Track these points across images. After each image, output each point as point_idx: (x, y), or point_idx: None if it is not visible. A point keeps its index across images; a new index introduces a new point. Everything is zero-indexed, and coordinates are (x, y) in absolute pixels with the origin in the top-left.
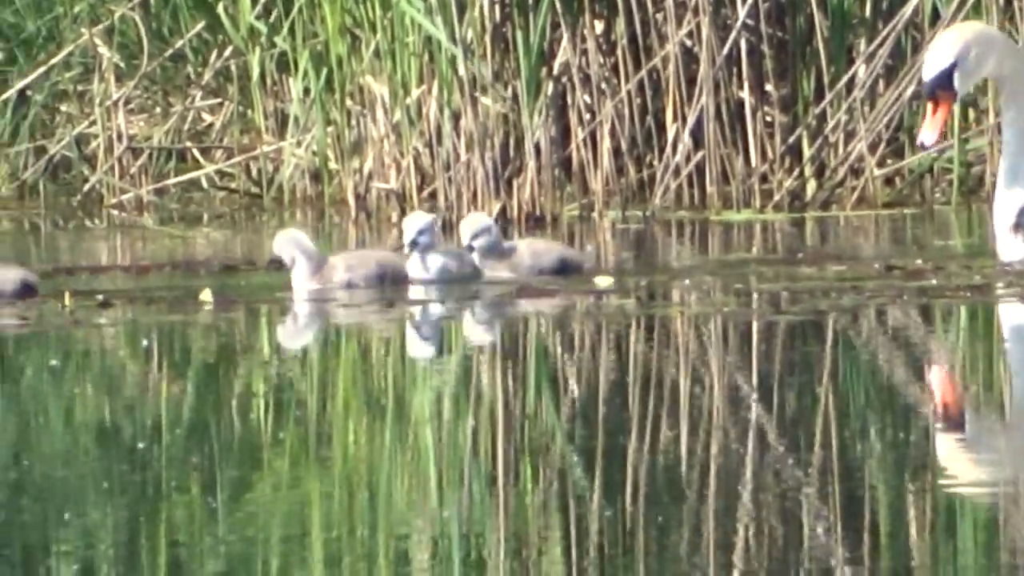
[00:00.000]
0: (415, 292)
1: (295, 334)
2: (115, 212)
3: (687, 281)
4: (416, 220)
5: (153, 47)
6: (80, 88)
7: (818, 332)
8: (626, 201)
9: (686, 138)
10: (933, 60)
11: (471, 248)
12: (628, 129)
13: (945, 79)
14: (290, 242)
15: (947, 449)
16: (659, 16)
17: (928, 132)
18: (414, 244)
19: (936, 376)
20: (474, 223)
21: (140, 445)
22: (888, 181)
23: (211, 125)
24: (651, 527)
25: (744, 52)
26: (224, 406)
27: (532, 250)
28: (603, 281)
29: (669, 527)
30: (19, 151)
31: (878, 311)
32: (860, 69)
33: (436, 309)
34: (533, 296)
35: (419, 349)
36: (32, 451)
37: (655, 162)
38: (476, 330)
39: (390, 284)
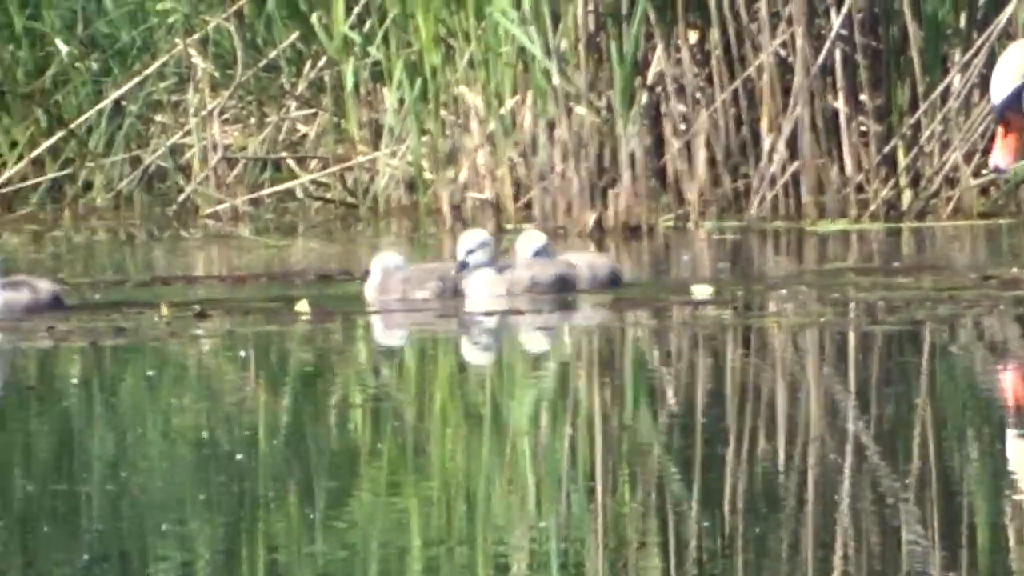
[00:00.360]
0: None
1: (390, 345)
2: (210, 222)
3: (783, 291)
4: (468, 238)
5: (247, 57)
6: (175, 98)
7: (915, 342)
8: (721, 211)
9: (781, 148)
10: (1000, 81)
11: (464, 265)
12: (723, 139)
13: (1015, 100)
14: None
15: None
16: (753, 26)
17: (1000, 155)
18: (464, 265)
19: None
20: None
21: (238, 456)
22: (983, 191)
23: (306, 135)
24: (749, 536)
25: (839, 62)
26: (321, 416)
27: (529, 267)
28: (701, 291)
29: (767, 536)
30: (114, 162)
31: (975, 321)
32: (955, 79)
33: (533, 319)
34: (630, 307)
35: (515, 359)
36: (130, 463)
37: (750, 172)
38: (572, 340)
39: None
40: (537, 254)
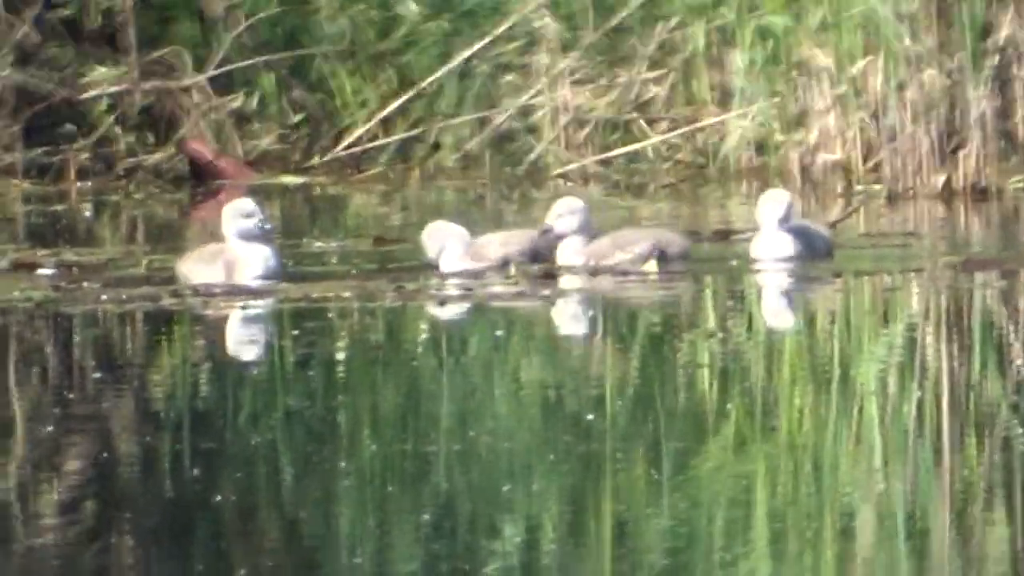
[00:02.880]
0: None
1: (736, 304)
2: (560, 182)
3: None
4: (559, 205)
5: (597, 19)
6: (525, 59)
7: None
8: None
9: None
10: None
11: (548, 230)
12: None
13: None
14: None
15: None
16: None
17: None
18: (546, 232)
19: None
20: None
21: (587, 416)
22: None
23: (656, 96)
24: None
25: None
26: (669, 376)
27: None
28: None
29: None
30: (464, 122)
31: None
32: None
33: (884, 279)
34: (979, 268)
35: (862, 319)
36: (478, 422)
37: None
38: (921, 301)
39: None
40: (781, 218)
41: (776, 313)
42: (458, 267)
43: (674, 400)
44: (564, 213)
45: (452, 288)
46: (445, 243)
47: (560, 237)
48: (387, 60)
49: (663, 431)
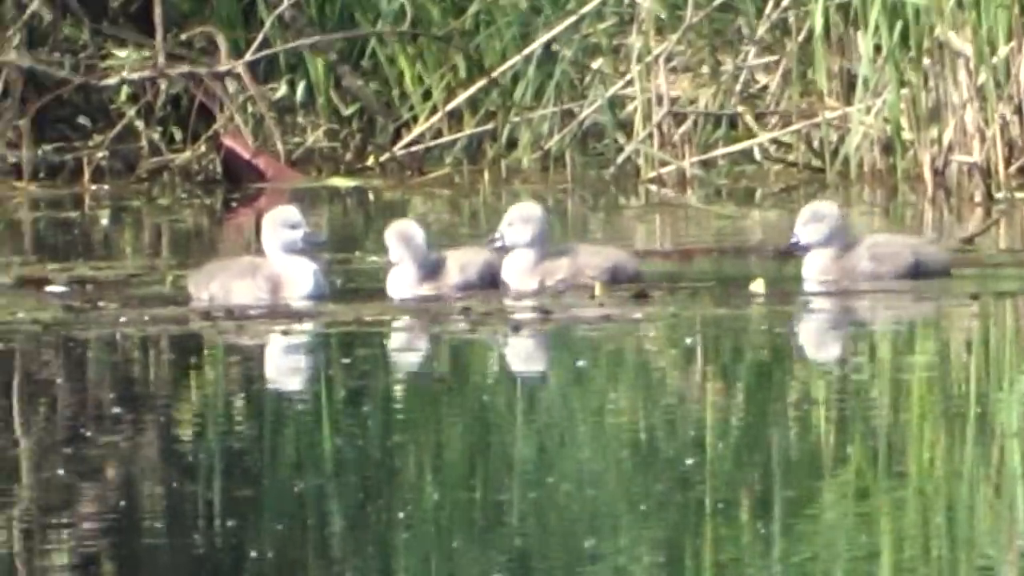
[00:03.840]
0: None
1: (857, 330)
2: (653, 187)
3: None
4: (512, 212)
5: None
6: (615, 43)
7: None
8: None
9: None
10: None
11: (495, 241)
12: None
13: None
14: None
15: None
16: None
17: None
18: (493, 243)
19: None
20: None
21: (685, 460)
22: None
23: (766, 87)
24: None
25: None
26: (778, 414)
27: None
28: None
29: None
30: (544, 115)
31: None
32: None
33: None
34: None
35: (1003, 349)
36: (558, 466)
37: None
38: None
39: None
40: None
41: (902, 340)
42: (408, 294)
43: (784, 441)
44: (515, 221)
45: (527, 311)
46: (403, 257)
47: (508, 250)
48: (454, 43)
49: (771, 476)
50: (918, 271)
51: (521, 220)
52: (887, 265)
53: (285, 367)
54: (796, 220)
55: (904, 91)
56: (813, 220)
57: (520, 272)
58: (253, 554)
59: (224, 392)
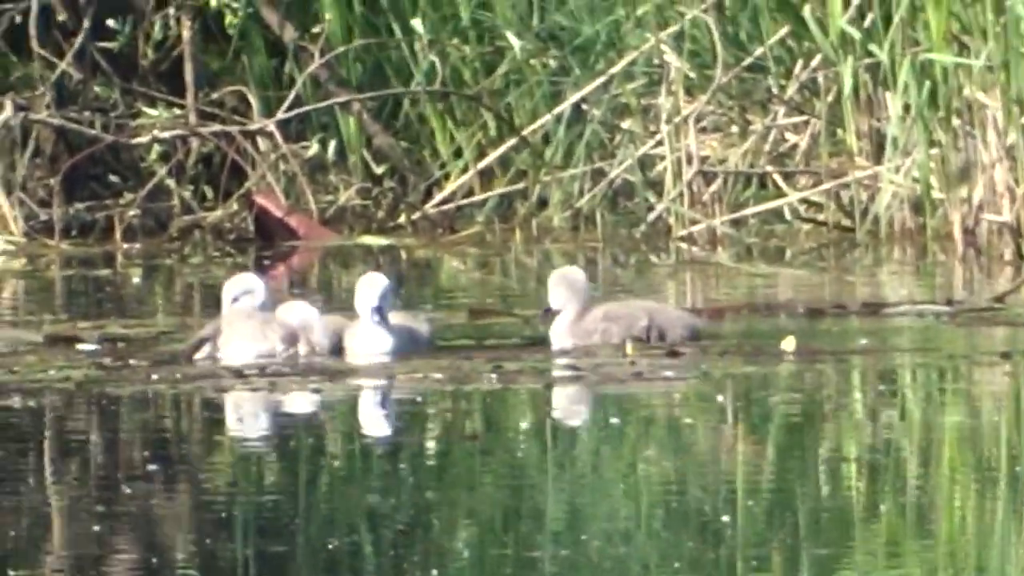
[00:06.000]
0: None
1: (888, 388)
2: (684, 246)
3: None
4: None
5: (728, 56)
6: (644, 103)
7: None
8: None
9: None
10: None
11: (548, 311)
12: None
13: None
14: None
15: None
16: None
17: None
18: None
19: None
20: (236, 284)
21: (720, 517)
22: None
23: (795, 146)
24: None
25: None
26: (810, 471)
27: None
28: None
29: None
30: (574, 175)
31: None
32: None
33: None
34: None
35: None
36: (589, 524)
37: None
38: None
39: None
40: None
41: (932, 400)
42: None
43: (815, 497)
44: (559, 285)
45: (561, 368)
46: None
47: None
48: (485, 102)
49: (802, 534)
50: (652, 334)
51: (566, 285)
52: (619, 325)
53: (316, 425)
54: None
55: (933, 151)
56: (564, 287)
57: (562, 334)
58: None
59: (256, 451)
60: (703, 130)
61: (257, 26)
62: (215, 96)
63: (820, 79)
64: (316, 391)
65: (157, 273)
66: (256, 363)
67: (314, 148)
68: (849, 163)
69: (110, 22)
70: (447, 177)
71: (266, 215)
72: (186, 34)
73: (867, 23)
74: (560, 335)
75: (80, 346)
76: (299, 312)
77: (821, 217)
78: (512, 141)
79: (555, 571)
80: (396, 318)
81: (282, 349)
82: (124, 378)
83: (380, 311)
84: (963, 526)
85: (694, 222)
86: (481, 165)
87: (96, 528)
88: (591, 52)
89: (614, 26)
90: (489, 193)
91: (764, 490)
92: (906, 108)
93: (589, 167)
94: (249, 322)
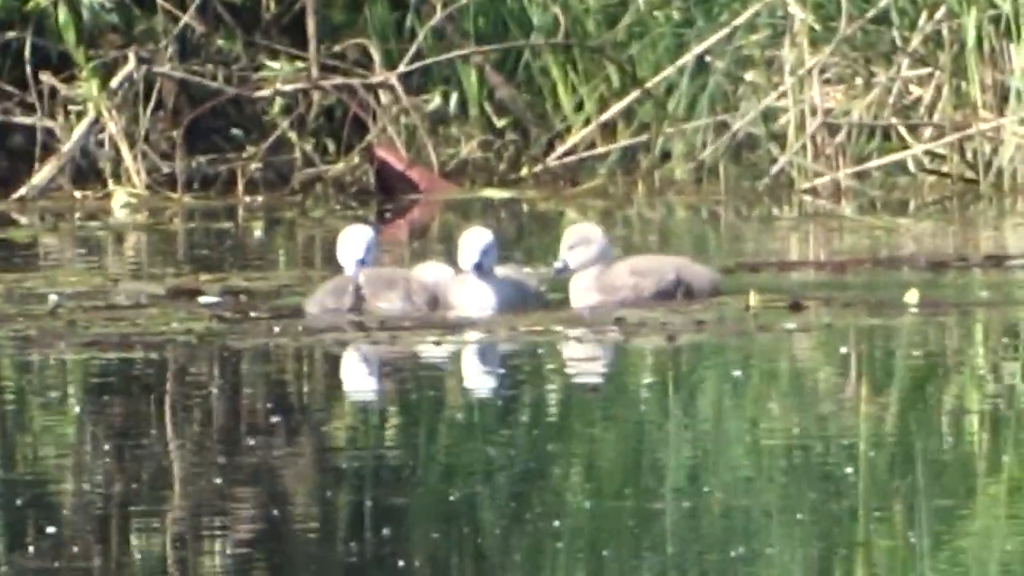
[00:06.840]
0: None
1: (1008, 342)
2: (807, 198)
3: None
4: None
5: (853, 7)
6: (768, 54)
7: None
8: None
9: None
10: None
11: (563, 269)
12: None
13: None
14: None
15: None
16: None
17: None
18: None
19: None
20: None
21: (840, 470)
22: None
23: (920, 99)
24: None
25: None
26: (932, 424)
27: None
28: None
29: None
30: (697, 127)
31: None
32: None
33: None
34: None
35: None
36: (711, 476)
37: None
38: None
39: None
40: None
41: None
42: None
43: (937, 451)
44: (576, 244)
45: (681, 320)
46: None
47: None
48: (608, 54)
49: (924, 486)
50: (680, 289)
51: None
52: (648, 280)
53: (438, 378)
54: (561, 245)
55: None
56: (579, 243)
57: (585, 290)
58: (403, 564)
59: (377, 402)
60: (827, 82)
61: None
62: (337, 49)
63: (944, 31)
64: (436, 343)
65: (279, 226)
66: (384, 316)
67: (436, 101)
68: (973, 115)
69: None
70: (569, 130)
71: (387, 168)
72: None
73: None
74: (583, 292)
75: (202, 299)
76: (435, 271)
77: (945, 169)
78: (635, 93)
79: (676, 522)
80: (506, 272)
81: (422, 307)
82: (246, 331)
83: (480, 267)
84: None
85: (817, 175)
86: (603, 117)
87: (218, 480)
88: (715, 3)
89: None
90: (612, 146)
91: (887, 442)
92: None
93: (712, 119)
94: (390, 279)
